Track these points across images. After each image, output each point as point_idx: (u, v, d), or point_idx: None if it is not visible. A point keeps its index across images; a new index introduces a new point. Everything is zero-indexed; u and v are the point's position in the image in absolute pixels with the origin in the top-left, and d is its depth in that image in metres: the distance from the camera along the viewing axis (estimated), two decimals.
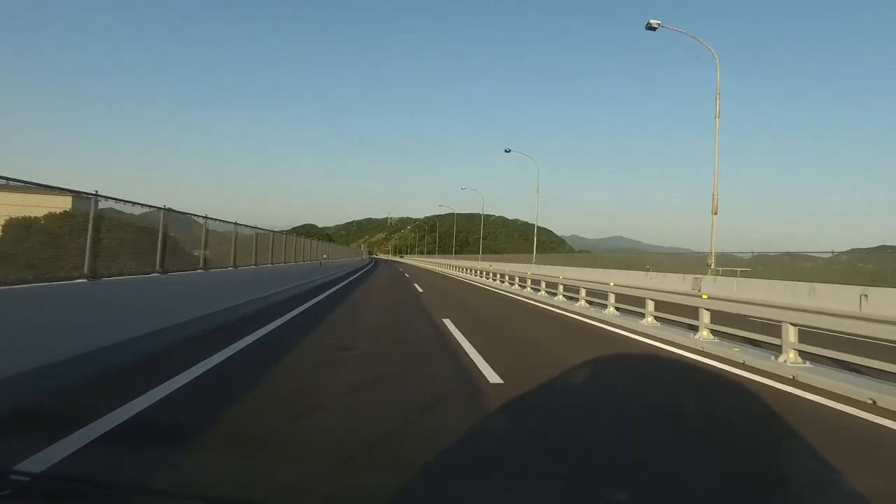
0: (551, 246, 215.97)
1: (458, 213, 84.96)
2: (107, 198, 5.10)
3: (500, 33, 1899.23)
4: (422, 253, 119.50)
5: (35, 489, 1.11)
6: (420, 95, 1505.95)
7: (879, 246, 29.94)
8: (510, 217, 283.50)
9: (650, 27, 21.47)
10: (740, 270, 20.96)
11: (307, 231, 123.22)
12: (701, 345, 7.20)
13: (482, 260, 47.59)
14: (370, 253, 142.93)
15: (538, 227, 42.17)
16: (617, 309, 10.53)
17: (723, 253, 23.68)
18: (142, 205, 6.11)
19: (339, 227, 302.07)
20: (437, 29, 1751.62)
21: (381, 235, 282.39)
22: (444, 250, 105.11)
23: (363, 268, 42.32)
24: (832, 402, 4.55)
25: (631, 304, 10.06)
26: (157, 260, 6.32)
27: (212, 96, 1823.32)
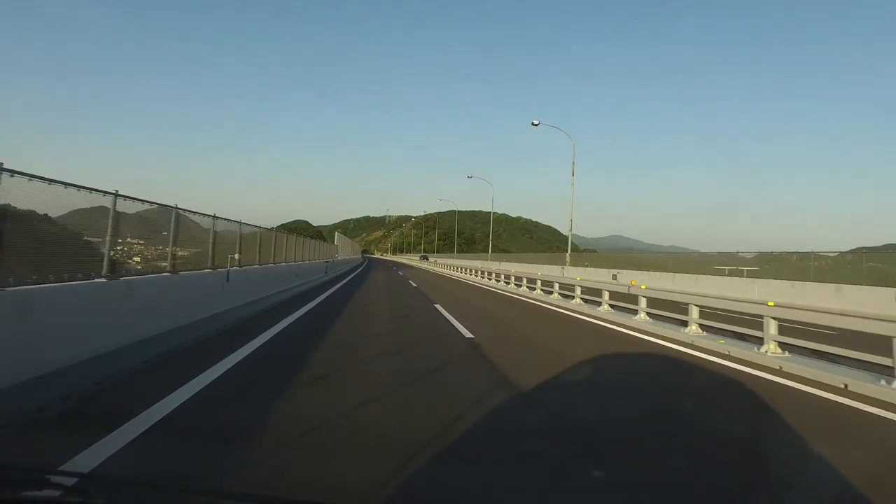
0: (557, 244, 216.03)
1: (458, 211, 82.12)
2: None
3: (501, 30, 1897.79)
4: (425, 251, 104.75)
5: (82, 491, 1.12)
6: (419, 94, 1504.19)
7: (885, 245, 30.47)
8: (513, 215, 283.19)
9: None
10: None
11: (298, 228, 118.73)
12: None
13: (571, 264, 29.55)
14: (365, 252, 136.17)
15: (542, 225, 40.67)
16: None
17: (725, 252, 24.65)
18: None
19: (335, 226, 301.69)
20: (432, 27, 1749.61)
21: (378, 233, 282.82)
22: (448, 248, 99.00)
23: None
24: None
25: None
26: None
27: (207, 93, 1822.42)
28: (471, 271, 29.51)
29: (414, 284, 21.50)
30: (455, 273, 33.84)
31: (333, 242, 36.99)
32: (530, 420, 3.86)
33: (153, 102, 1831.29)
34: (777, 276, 18.04)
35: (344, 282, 21.24)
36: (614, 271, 25.08)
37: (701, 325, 8.00)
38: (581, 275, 23.59)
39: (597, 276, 23.38)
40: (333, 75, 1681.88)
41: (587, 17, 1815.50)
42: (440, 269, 41.44)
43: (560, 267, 28.68)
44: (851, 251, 21.76)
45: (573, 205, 27.59)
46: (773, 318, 6.41)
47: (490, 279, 23.44)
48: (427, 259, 72.73)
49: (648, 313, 9.49)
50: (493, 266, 30.72)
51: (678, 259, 30.13)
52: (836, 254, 19.70)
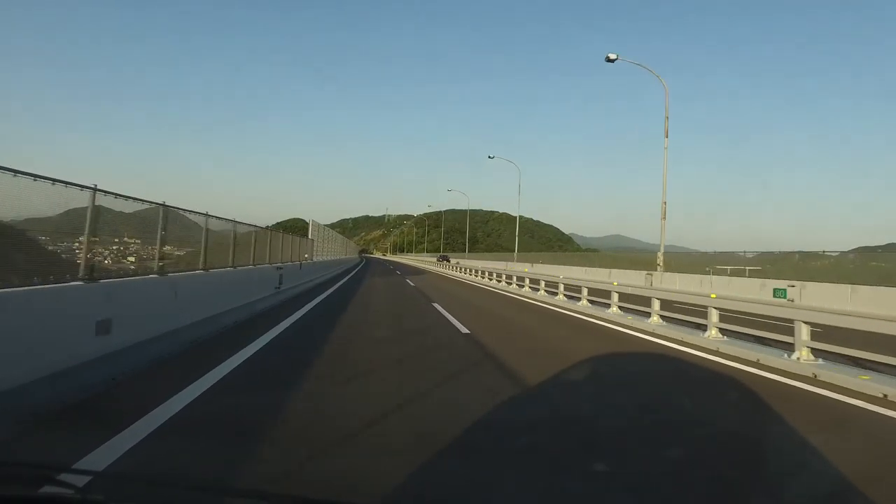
0: (559, 244, 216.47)
1: (459, 210, 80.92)
2: None
3: (495, 28, 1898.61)
4: (428, 251, 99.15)
5: (97, 488, 1.11)
6: (417, 93, 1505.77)
7: (887, 244, 30.83)
8: (514, 214, 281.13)
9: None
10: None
11: (294, 227, 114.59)
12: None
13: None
14: (364, 251, 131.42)
15: (543, 224, 38.63)
16: None
17: (725, 252, 24.64)
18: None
19: (333, 225, 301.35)
20: (431, 24, 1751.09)
21: (378, 232, 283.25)
22: (450, 248, 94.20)
23: None
24: None
25: None
26: None
27: (205, 91, 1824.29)
28: (498, 277, 23.71)
29: (455, 322, 10.11)
30: (482, 281, 25.66)
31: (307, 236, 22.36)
32: None
33: (152, 100, 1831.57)
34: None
35: (302, 312, 10.76)
36: (789, 283, 17.03)
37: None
38: (684, 285, 17.31)
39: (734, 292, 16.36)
40: (334, 74, 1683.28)
41: (583, 15, 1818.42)
42: (461, 275, 31.25)
43: (645, 273, 20.17)
44: (853, 250, 21.82)
45: (667, 175, 19.24)
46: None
47: (537, 289, 17.76)
48: (448, 260, 51.56)
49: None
50: (533, 270, 24.16)
51: (680, 258, 30.54)
52: (837, 253, 19.74)
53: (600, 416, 4.37)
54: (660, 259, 20.53)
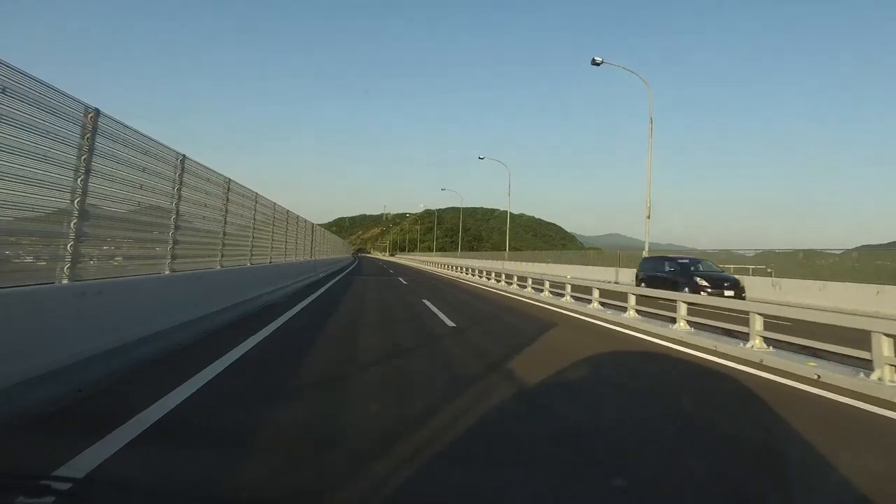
0: (561, 242, 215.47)
1: (460, 207, 79.67)
2: None
3: (494, 33, 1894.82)
4: (430, 249, 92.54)
5: (77, 495, 1.14)
6: (417, 90, 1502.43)
7: (889, 243, 31.27)
8: (515, 212, 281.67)
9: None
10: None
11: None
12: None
13: None
14: (361, 251, 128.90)
15: (545, 222, 36.38)
16: None
17: (724, 249, 24.89)
18: None
19: (330, 224, 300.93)
20: (431, 21, 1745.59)
21: (375, 230, 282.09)
22: (453, 246, 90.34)
23: None
24: None
25: None
26: None
27: (204, 87, 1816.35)
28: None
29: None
30: None
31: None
32: None
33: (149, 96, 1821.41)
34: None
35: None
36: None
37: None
38: None
39: None
40: (332, 74, 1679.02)
41: (583, 15, 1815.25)
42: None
43: None
44: (856, 249, 21.87)
45: None
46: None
47: None
48: (740, 292, 15.11)
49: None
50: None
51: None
52: (841, 251, 19.87)
53: None
54: None
